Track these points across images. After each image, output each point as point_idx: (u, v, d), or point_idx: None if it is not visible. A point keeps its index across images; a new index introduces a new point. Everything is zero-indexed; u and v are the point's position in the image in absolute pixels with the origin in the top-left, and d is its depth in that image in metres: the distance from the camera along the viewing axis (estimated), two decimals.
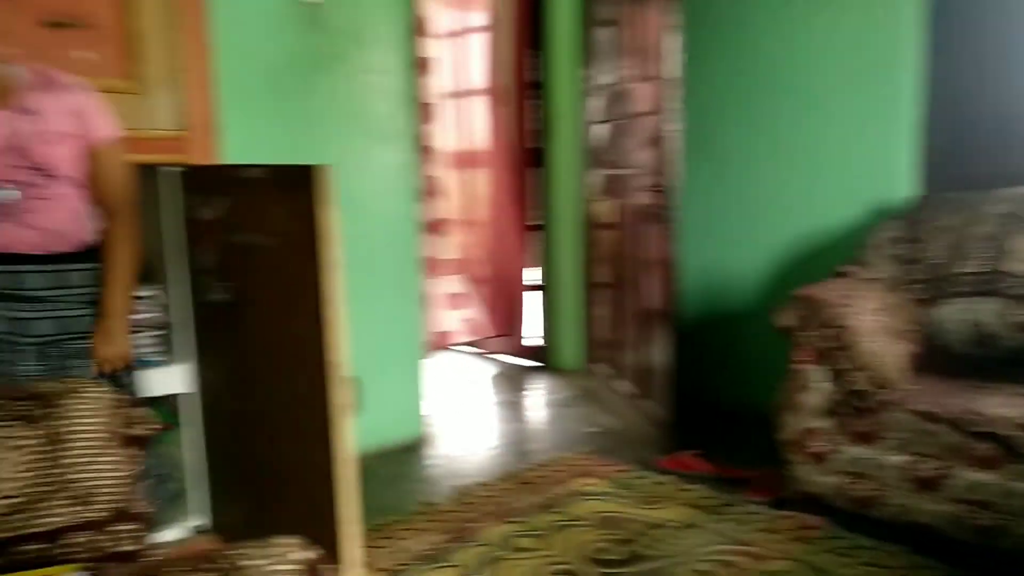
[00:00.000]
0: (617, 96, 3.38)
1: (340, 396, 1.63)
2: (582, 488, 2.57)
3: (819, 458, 2.24)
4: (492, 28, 3.95)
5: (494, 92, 4.00)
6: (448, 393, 3.70)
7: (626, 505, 2.43)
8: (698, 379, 3.11)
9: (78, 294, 1.60)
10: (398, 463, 2.90)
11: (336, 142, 2.77)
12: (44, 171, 1.54)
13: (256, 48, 2.52)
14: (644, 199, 3.11)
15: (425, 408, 3.19)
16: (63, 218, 1.59)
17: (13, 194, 1.52)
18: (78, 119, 1.59)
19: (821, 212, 3.03)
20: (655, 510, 2.39)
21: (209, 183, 1.81)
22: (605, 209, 3.54)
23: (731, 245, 3.34)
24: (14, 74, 1.53)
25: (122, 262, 1.65)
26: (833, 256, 2.83)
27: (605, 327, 3.64)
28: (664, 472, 2.68)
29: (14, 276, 1.55)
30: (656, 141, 2.99)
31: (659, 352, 3.01)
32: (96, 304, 1.62)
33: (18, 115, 1.52)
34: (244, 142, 2.33)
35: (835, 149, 2.98)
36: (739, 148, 3.28)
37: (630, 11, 3.19)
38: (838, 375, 2.21)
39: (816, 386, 2.26)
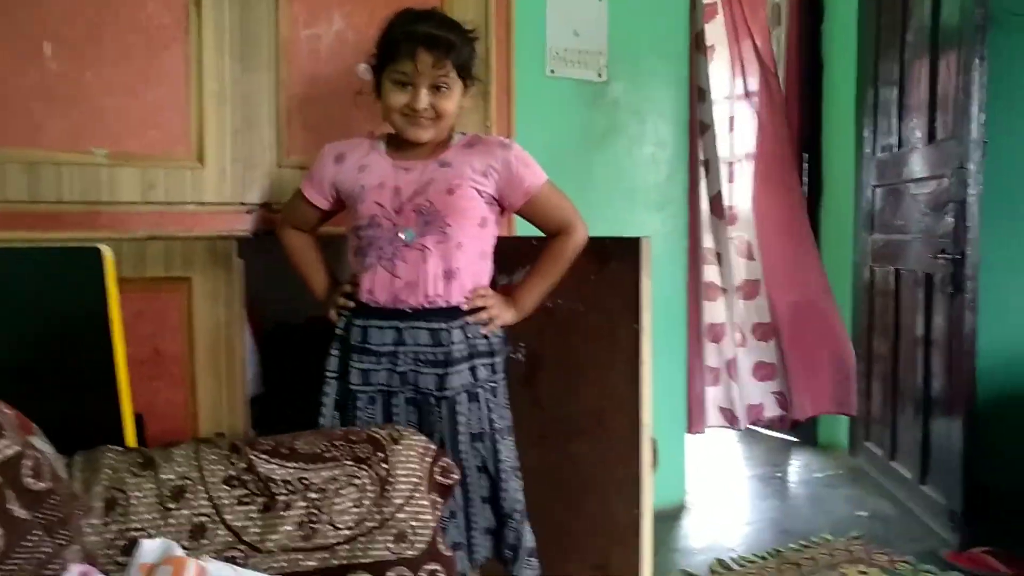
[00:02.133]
0: (898, 158, 3.18)
1: (646, 454, 1.68)
2: None
3: None
4: (763, 92, 3.88)
5: (761, 156, 3.92)
6: (706, 462, 3.60)
7: None
8: (994, 466, 2.79)
9: (413, 352, 1.63)
10: (657, 529, 2.86)
11: (612, 211, 2.83)
12: (435, 219, 1.60)
13: (544, 127, 2.63)
14: (929, 267, 2.88)
15: (687, 476, 3.15)
16: (429, 273, 1.62)
17: (410, 234, 1.61)
18: (490, 177, 1.65)
19: None
20: None
21: (512, 252, 1.83)
22: (881, 276, 3.32)
23: None
24: (453, 137, 1.69)
25: (548, 257, 1.71)
26: None
27: (876, 403, 3.38)
28: (951, 568, 2.43)
29: (362, 331, 1.65)
30: (943, 206, 2.78)
31: (946, 433, 2.74)
32: (439, 364, 1.62)
33: (435, 167, 1.64)
34: None
35: None
36: None
37: (917, 69, 3.01)
38: None
39: None
